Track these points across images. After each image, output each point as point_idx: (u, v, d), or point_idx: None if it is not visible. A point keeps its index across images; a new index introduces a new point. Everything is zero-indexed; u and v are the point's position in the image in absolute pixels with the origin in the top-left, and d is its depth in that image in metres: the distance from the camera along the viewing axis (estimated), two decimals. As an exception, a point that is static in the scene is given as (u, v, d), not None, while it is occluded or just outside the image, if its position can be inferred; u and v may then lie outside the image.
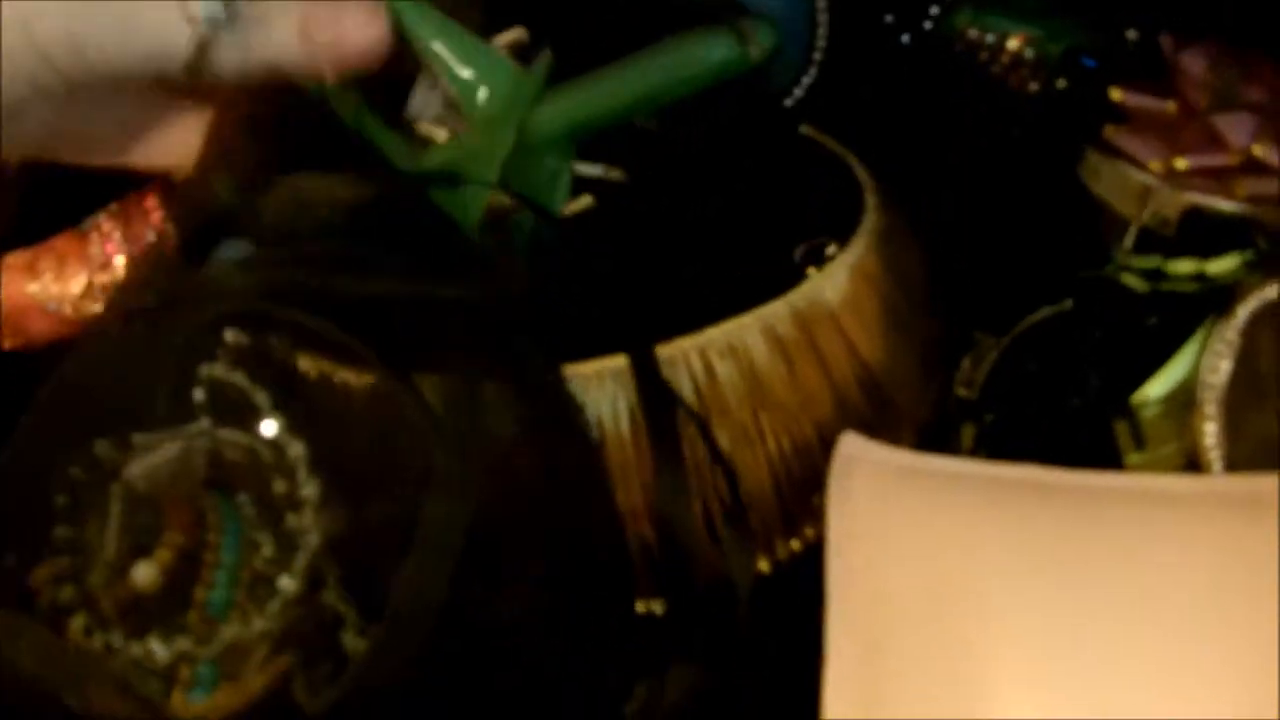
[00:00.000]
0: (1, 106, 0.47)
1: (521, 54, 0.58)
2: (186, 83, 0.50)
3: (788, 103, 0.69)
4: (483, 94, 0.56)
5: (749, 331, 0.54)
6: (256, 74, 0.50)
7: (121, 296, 0.59)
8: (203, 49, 0.47)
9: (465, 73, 0.56)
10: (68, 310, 0.64)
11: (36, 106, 0.49)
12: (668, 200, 0.61)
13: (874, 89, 0.70)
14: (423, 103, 0.58)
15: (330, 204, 0.50)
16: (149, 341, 0.51)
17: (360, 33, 0.50)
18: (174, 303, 0.51)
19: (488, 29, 0.58)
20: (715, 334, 0.53)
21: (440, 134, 0.57)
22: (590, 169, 0.60)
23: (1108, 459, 0.55)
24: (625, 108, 0.59)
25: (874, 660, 0.44)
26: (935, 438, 0.60)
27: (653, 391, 0.50)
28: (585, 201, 0.59)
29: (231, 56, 0.48)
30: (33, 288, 0.63)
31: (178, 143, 0.55)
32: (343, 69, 0.51)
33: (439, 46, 0.56)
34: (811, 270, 0.59)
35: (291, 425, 0.48)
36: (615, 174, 0.60)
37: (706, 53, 0.59)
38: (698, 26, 0.60)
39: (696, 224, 0.61)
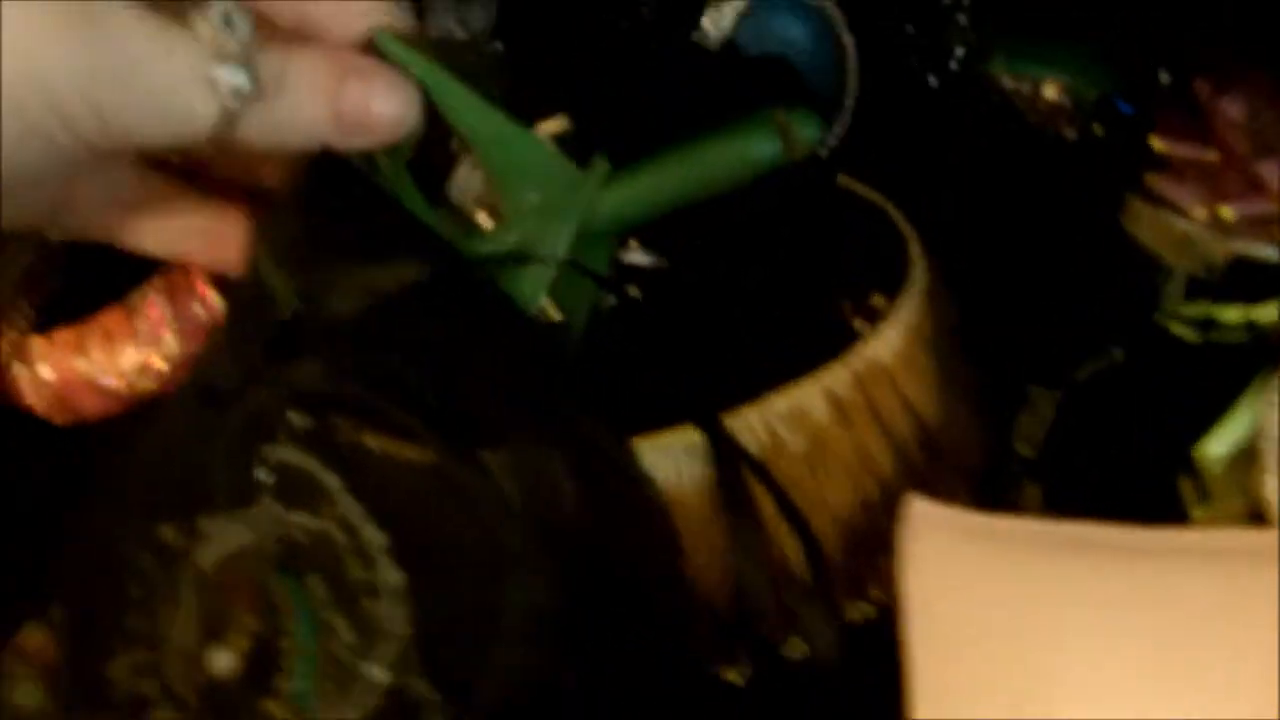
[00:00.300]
0: (2, 169, 0.46)
1: (564, 143, 0.58)
2: (210, 154, 0.50)
3: (821, 152, 0.69)
4: (533, 197, 0.56)
5: (810, 396, 0.54)
6: (282, 145, 0.49)
7: (184, 379, 0.59)
8: (228, 120, 0.46)
9: (512, 169, 0.56)
10: (118, 385, 0.64)
11: (48, 174, 0.47)
12: (714, 267, 0.61)
13: (907, 135, 0.70)
14: (465, 183, 0.58)
15: (395, 289, 0.50)
16: (212, 424, 0.51)
17: (388, 104, 0.50)
18: (239, 386, 0.51)
19: (528, 111, 0.58)
20: (778, 401, 0.54)
21: (484, 217, 0.58)
22: (636, 256, 0.60)
23: (1172, 513, 0.55)
24: (668, 206, 0.58)
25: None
26: (991, 490, 0.60)
27: (724, 458, 0.50)
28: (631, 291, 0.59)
29: (257, 127, 0.47)
30: (82, 365, 0.63)
31: (187, 230, 0.55)
32: (370, 142, 0.50)
33: (484, 137, 0.56)
34: (859, 323, 0.60)
35: (365, 509, 0.48)
36: (659, 262, 0.60)
37: (748, 153, 0.58)
38: (738, 118, 0.59)
39: (743, 288, 0.61)
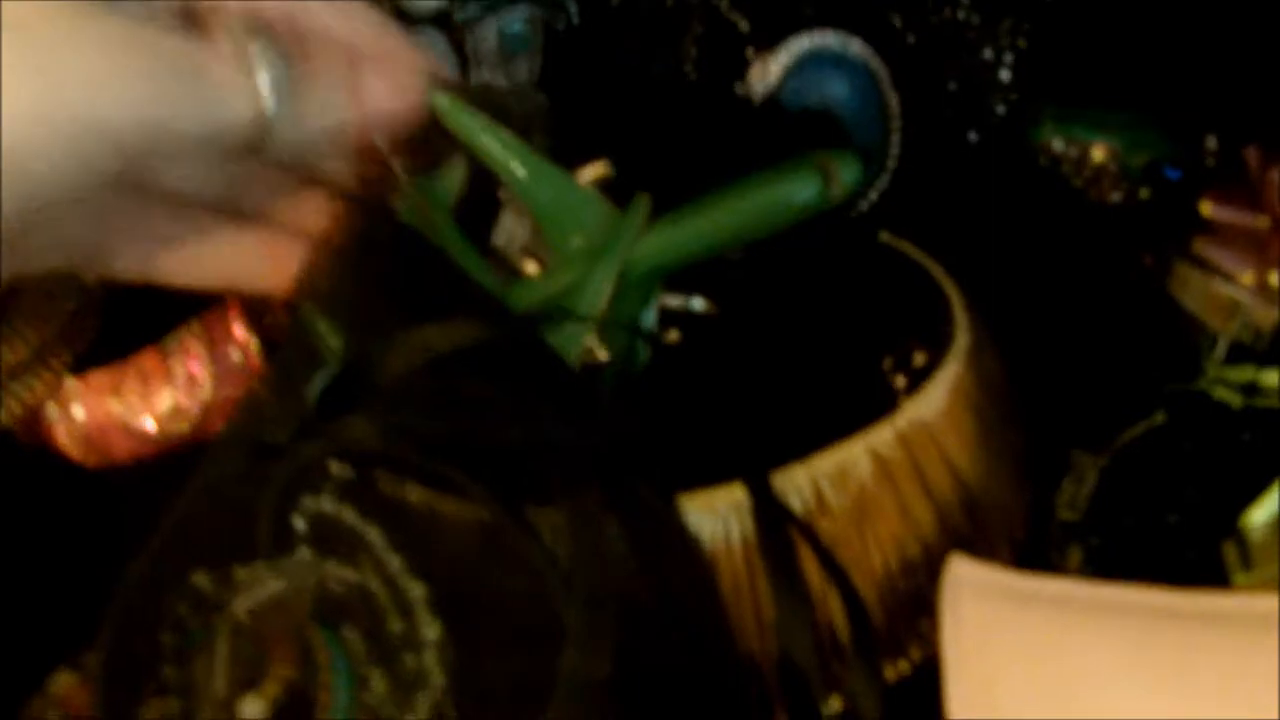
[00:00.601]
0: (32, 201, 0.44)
1: (606, 188, 0.58)
2: (242, 159, 0.49)
3: (863, 206, 0.69)
4: (577, 241, 0.57)
5: (856, 455, 0.54)
6: (312, 147, 0.50)
7: (228, 428, 0.59)
8: (263, 120, 0.46)
9: (556, 214, 0.57)
10: (152, 429, 0.63)
11: (81, 203, 0.46)
12: (756, 323, 0.61)
13: (949, 193, 0.70)
14: (510, 232, 0.58)
15: (449, 349, 0.50)
16: (257, 476, 0.51)
17: (407, 92, 0.51)
18: (288, 440, 0.50)
19: (566, 158, 0.59)
20: (823, 460, 0.53)
21: (530, 265, 0.58)
22: (679, 301, 0.60)
23: (1214, 578, 0.54)
24: (711, 249, 0.59)
25: None
26: (1032, 554, 0.59)
27: (770, 518, 0.49)
28: (674, 335, 0.59)
29: (288, 127, 0.47)
30: (116, 407, 0.63)
31: (227, 259, 0.54)
32: (393, 133, 0.51)
33: (527, 183, 0.56)
34: (900, 379, 0.59)
35: (405, 562, 0.48)
36: (704, 305, 0.60)
37: (791, 195, 0.59)
38: (781, 162, 0.60)
39: (786, 345, 0.61)
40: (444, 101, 0.54)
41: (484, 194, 0.58)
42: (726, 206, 0.58)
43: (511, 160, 0.56)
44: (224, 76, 0.46)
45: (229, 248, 0.53)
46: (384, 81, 0.51)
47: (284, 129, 0.47)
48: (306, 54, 0.48)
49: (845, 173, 0.60)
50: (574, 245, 0.57)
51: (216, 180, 0.52)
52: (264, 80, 0.46)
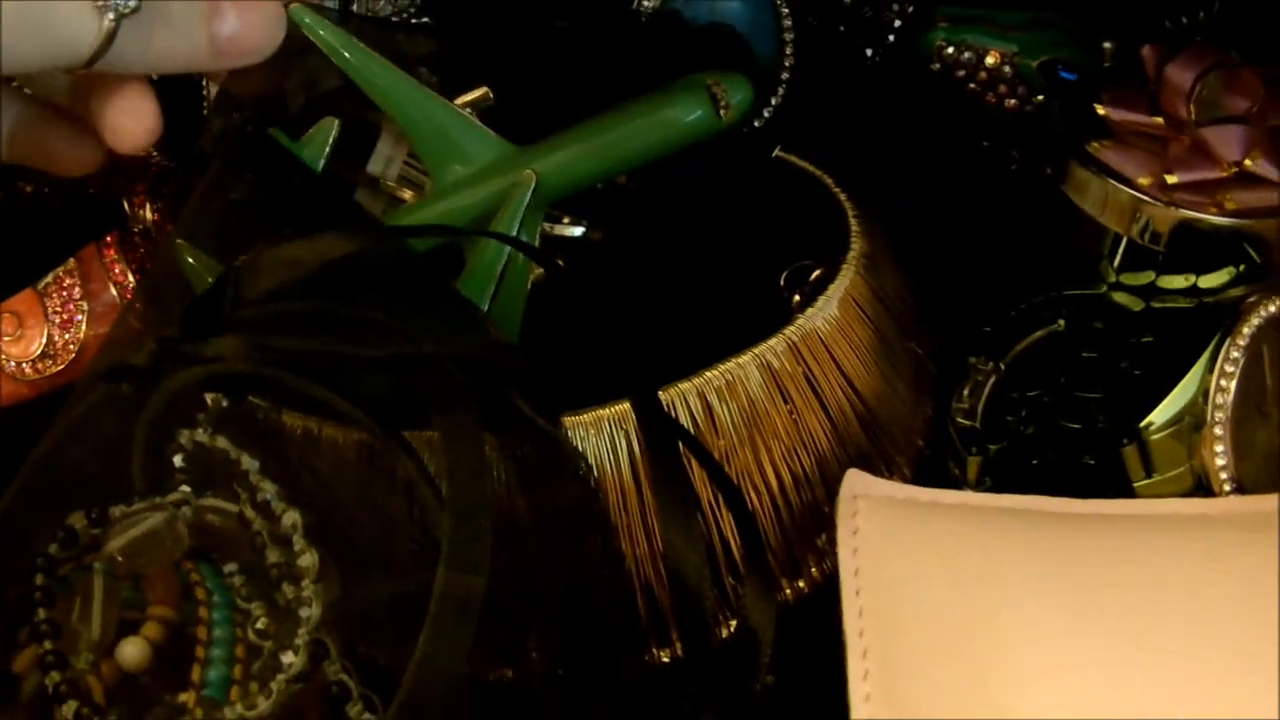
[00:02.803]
0: None
1: (488, 114, 0.58)
2: (83, 75, 0.48)
3: (756, 124, 0.68)
4: (457, 168, 0.57)
5: (746, 369, 0.53)
6: (157, 67, 0.48)
7: (95, 363, 0.57)
8: (108, 39, 0.45)
9: (434, 140, 0.56)
10: (28, 371, 0.62)
11: None
12: (649, 241, 0.60)
13: (845, 107, 0.69)
14: (387, 158, 0.57)
15: (318, 263, 0.49)
16: (124, 409, 0.49)
17: (264, 29, 0.49)
18: (152, 368, 0.49)
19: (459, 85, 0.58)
20: (712, 374, 0.52)
21: (407, 193, 0.57)
22: (569, 230, 0.59)
23: (1116, 483, 0.54)
24: (599, 174, 0.58)
25: (897, 698, 0.44)
26: (931, 465, 0.59)
27: (658, 434, 0.48)
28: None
29: (133, 48, 0.46)
30: (-8, 350, 0.62)
31: (27, 144, 0.53)
32: (239, 63, 0.50)
33: (408, 112, 0.56)
34: (798, 297, 0.59)
35: (283, 492, 0.47)
36: (593, 233, 0.59)
37: (678, 116, 0.58)
38: (669, 83, 0.59)
39: (679, 262, 0.60)
40: (316, 27, 0.53)
41: (360, 119, 0.57)
42: (613, 130, 0.58)
43: (389, 89, 0.55)
44: (70, 13, 0.44)
45: (40, 132, 0.53)
46: (243, 17, 0.49)
47: (124, 58, 0.46)
48: None
49: (735, 94, 0.59)
50: (454, 173, 0.56)
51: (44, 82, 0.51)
52: (110, 17, 0.45)
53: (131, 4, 0.45)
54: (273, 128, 0.54)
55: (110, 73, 0.48)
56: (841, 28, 0.71)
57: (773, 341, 0.54)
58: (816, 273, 0.59)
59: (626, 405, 0.51)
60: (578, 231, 0.59)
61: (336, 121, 0.56)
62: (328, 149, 0.55)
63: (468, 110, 0.58)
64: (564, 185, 0.57)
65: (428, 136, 0.56)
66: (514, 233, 0.55)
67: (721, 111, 0.58)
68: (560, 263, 0.59)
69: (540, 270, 0.57)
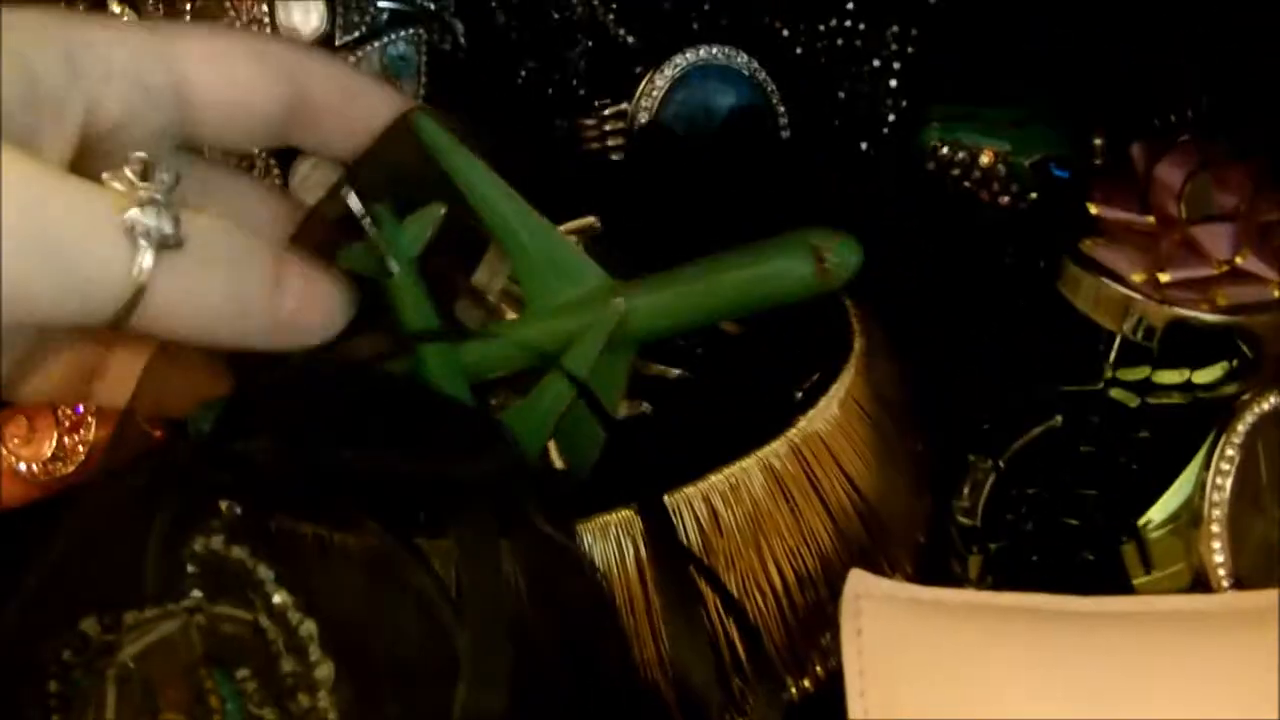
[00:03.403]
0: None
1: (592, 244, 0.57)
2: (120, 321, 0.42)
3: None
4: (556, 294, 0.55)
5: (749, 472, 0.53)
6: (196, 321, 0.43)
7: (106, 465, 0.57)
8: (140, 283, 0.40)
9: (537, 263, 0.55)
10: (38, 473, 0.62)
11: None
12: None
13: (840, 203, 0.70)
14: (493, 269, 0.56)
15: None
16: (137, 513, 0.49)
17: (327, 309, 0.47)
18: (164, 473, 0.49)
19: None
20: (717, 478, 0.52)
21: (508, 312, 0.56)
22: (667, 372, 0.59)
23: (1115, 580, 0.54)
24: (691, 321, 0.56)
25: None
26: (932, 561, 0.59)
27: (663, 542, 0.49)
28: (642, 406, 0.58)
29: (174, 292, 0.41)
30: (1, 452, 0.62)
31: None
32: (294, 343, 0.47)
33: (514, 230, 0.54)
34: (797, 393, 0.59)
35: (298, 601, 0.47)
36: (675, 372, 0.59)
37: (782, 273, 0.55)
38: (772, 237, 0.56)
39: (680, 361, 0.61)
40: (434, 133, 0.52)
41: (473, 225, 0.55)
42: (712, 279, 0.55)
43: (497, 203, 0.54)
44: (99, 243, 0.40)
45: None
46: (310, 290, 0.47)
47: (161, 311, 0.41)
48: (226, 236, 0.44)
49: (841, 254, 0.55)
50: (550, 298, 0.55)
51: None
52: (143, 247, 0.40)
53: (167, 228, 0.40)
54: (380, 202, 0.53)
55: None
56: (836, 121, 0.72)
57: (775, 444, 0.54)
58: (816, 368, 0.60)
59: (632, 511, 0.51)
60: (675, 373, 0.58)
61: (444, 209, 0.53)
62: (429, 235, 0.53)
63: (573, 238, 0.57)
64: (654, 327, 0.55)
65: (528, 257, 0.54)
66: (587, 366, 0.53)
67: (826, 271, 0.55)
68: (647, 408, 0.58)
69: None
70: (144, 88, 0.45)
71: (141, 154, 0.42)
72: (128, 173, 0.41)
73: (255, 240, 0.45)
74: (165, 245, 0.40)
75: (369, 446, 0.48)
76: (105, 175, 0.41)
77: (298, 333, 0.46)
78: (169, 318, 0.42)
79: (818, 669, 0.55)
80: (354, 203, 0.50)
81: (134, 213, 0.40)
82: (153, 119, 0.46)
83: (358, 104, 0.50)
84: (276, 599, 0.47)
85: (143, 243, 0.40)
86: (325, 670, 0.46)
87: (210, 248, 0.42)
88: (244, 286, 0.44)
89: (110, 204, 0.40)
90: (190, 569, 0.48)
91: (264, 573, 0.48)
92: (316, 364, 0.49)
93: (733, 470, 0.53)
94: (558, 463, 0.55)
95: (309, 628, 0.46)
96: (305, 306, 0.46)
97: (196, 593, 0.48)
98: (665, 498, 0.51)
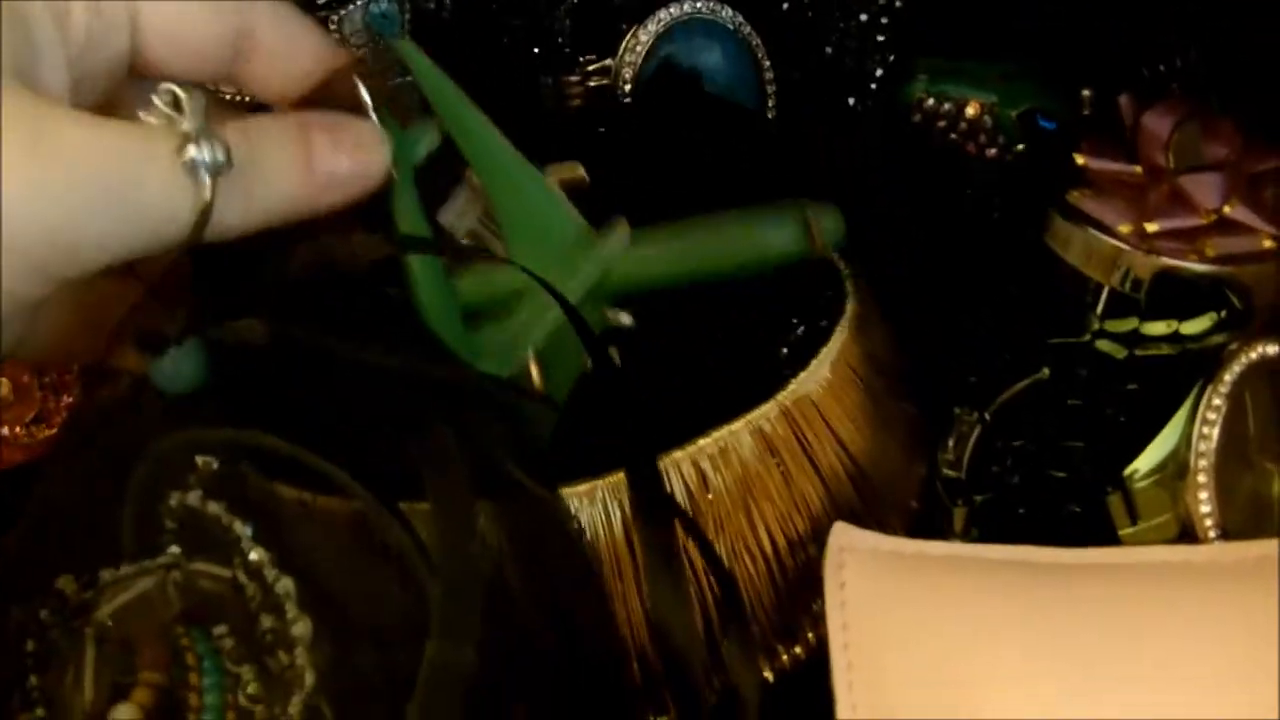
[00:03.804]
0: None
1: (575, 192, 0.56)
2: (186, 248, 0.44)
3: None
4: (537, 244, 0.54)
5: (739, 436, 0.53)
6: (258, 222, 0.45)
7: (81, 423, 0.57)
8: (206, 207, 0.42)
9: (519, 210, 0.54)
10: (21, 436, 0.62)
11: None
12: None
13: (828, 158, 0.69)
14: (460, 212, 0.56)
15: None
16: (113, 470, 0.49)
17: (364, 158, 0.48)
18: (139, 430, 0.49)
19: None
20: (705, 442, 0.52)
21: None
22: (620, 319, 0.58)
23: (1101, 531, 0.54)
24: (674, 276, 0.56)
25: None
26: (924, 521, 0.59)
27: (650, 505, 0.48)
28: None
29: (233, 207, 0.43)
30: (-13, 416, 0.62)
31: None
32: (342, 198, 0.48)
33: (496, 172, 0.54)
34: (783, 351, 0.59)
35: (275, 558, 0.47)
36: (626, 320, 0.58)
37: (768, 238, 0.56)
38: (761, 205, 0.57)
39: (670, 323, 0.60)
40: (422, 63, 0.52)
41: (444, 168, 0.54)
42: (700, 237, 0.56)
43: (481, 142, 0.53)
44: (162, 184, 0.41)
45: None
46: (340, 153, 0.47)
47: (225, 223, 0.43)
48: (250, 138, 0.45)
49: (828, 224, 0.56)
50: (529, 246, 0.54)
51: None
52: (205, 180, 0.42)
53: (220, 157, 0.42)
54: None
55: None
56: (823, 79, 0.71)
57: (765, 407, 0.53)
58: (803, 327, 0.59)
59: (620, 476, 0.50)
60: (627, 321, 0.56)
61: (441, 136, 0.53)
62: (429, 147, 0.52)
63: (557, 186, 0.56)
64: (636, 280, 0.55)
65: (510, 203, 0.54)
66: (577, 299, 0.53)
67: (813, 240, 0.56)
68: (615, 354, 0.56)
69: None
70: (99, 11, 0.46)
71: (169, 85, 0.43)
72: (162, 106, 0.42)
73: (277, 122, 0.46)
74: (219, 172, 0.42)
75: (344, 399, 0.47)
76: (141, 114, 0.42)
77: (340, 189, 0.47)
78: (229, 225, 0.44)
79: (809, 635, 0.55)
80: (364, 94, 0.50)
81: (191, 150, 0.41)
82: (109, 45, 0.46)
83: (301, 48, 0.50)
84: (253, 555, 0.47)
85: (203, 175, 0.42)
86: (302, 627, 0.45)
87: (250, 153, 0.44)
88: (282, 172, 0.46)
89: (166, 145, 0.41)
90: (168, 524, 0.48)
91: (240, 529, 0.47)
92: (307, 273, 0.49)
93: (721, 434, 0.52)
94: (538, 382, 0.54)
95: (286, 584, 0.46)
96: (339, 165, 0.47)
97: (174, 549, 0.48)
98: (654, 461, 0.50)
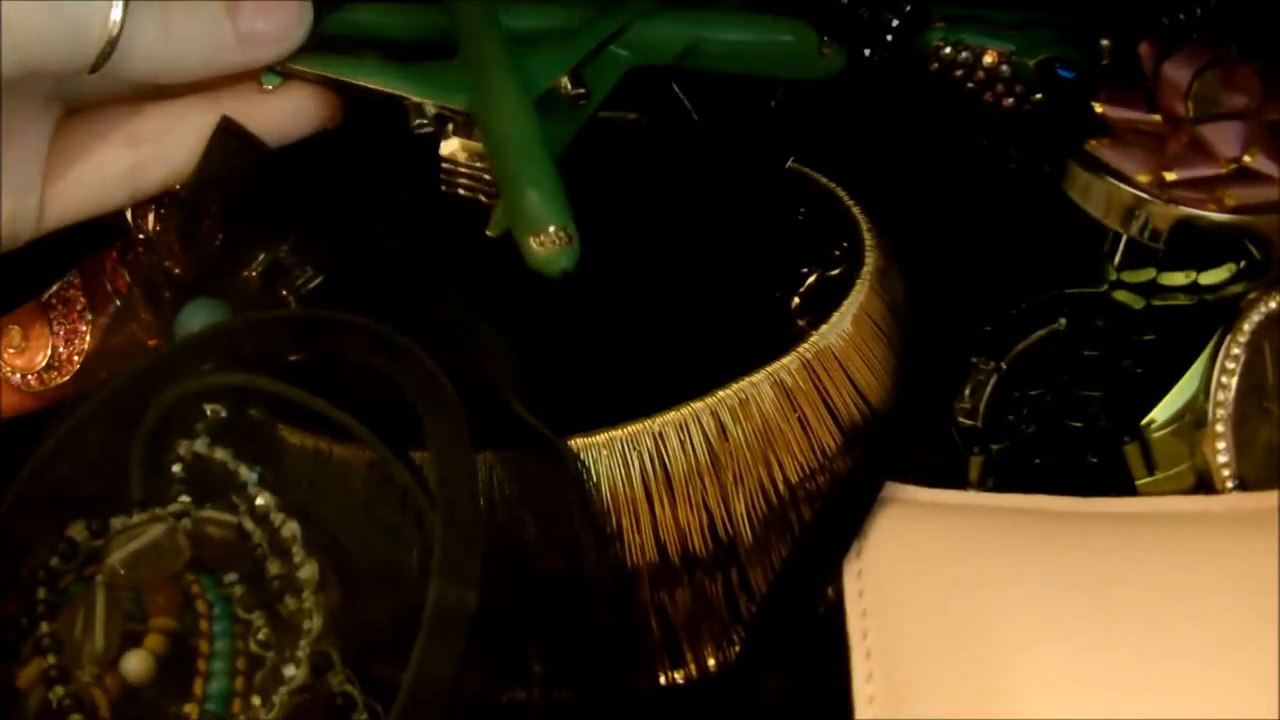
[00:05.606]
0: None
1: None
2: (87, 79, 0.47)
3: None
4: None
5: (760, 388, 0.52)
6: (170, 64, 0.48)
7: (91, 371, 0.57)
8: (114, 38, 0.45)
9: None
10: (33, 383, 0.62)
11: None
12: (663, 260, 0.59)
13: (843, 108, 0.69)
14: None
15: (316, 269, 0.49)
16: (122, 418, 0.49)
17: (286, 17, 0.50)
18: (147, 377, 0.49)
19: None
20: (726, 394, 0.52)
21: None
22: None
23: (1118, 481, 0.54)
24: (688, 48, 0.59)
25: (901, 698, 0.44)
26: (941, 471, 0.58)
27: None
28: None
29: (146, 37, 0.46)
30: (-3, 363, 0.62)
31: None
32: (269, 56, 0.50)
33: None
34: (797, 300, 0.59)
35: (281, 503, 0.47)
36: (633, 116, 0.61)
37: (786, 38, 0.60)
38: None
39: (692, 279, 0.60)
40: None
41: None
42: (716, 18, 0.59)
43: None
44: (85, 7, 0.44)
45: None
46: (257, 14, 0.50)
47: (140, 53, 0.46)
48: None
49: (836, 54, 0.62)
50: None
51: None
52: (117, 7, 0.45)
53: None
54: None
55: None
56: (838, 28, 0.70)
57: (787, 360, 0.53)
58: (819, 277, 0.59)
59: (639, 425, 0.50)
60: (631, 117, 0.60)
61: None
62: None
63: None
64: (648, 48, 0.58)
65: None
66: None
67: (821, 56, 0.61)
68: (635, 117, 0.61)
69: None
70: None
71: None
72: None
73: None
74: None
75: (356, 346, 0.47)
76: None
77: (259, 46, 0.50)
78: (142, 60, 0.47)
79: (828, 590, 0.55)
80: None
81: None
82: None
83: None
84: (259, 500, 0.47)
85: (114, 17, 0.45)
86: (309, 571, 0.45)
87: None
88: (205, 17, 0.48)
89: None
90: (176, 473, 0.48)
91: (246, 474, 0.47)
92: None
93: (742, 385, 0.52)
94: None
95: (292, 528, 0.46)
96: (260, 20, 0.49)
97: (184, 498, 0.48)
98: (673, 413, 0.51)
